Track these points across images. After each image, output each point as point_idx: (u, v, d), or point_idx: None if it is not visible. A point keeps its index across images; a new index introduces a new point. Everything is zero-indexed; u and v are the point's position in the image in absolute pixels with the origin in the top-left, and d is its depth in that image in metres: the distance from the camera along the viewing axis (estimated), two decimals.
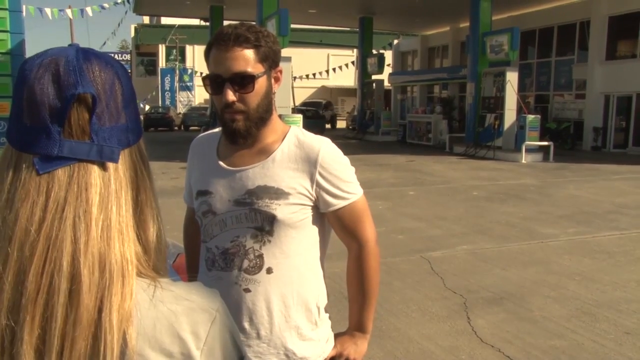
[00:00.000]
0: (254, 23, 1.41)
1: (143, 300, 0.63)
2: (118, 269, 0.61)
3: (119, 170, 0.65)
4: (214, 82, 1.33)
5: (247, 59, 1.31)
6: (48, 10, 21.51)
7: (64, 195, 0.61)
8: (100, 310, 0.59)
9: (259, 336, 1.37)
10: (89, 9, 23.72)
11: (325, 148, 1.39)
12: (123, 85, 0.68)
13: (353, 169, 1.45)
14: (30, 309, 0.58)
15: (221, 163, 1.42)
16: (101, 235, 0.61)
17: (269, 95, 1.37)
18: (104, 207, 0.62)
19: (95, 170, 0.63)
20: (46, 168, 0.61)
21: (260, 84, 1.33)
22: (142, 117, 27.93)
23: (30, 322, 0.58)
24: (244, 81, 1.31)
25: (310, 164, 1.37)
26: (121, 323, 0.60)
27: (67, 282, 0.58)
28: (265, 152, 1.39)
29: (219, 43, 1.31)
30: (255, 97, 1.33)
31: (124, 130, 0.67)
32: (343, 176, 1.40)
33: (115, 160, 0.64)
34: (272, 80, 1.39)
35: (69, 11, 23.43)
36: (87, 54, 0.67)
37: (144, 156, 0.71)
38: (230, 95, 1.31)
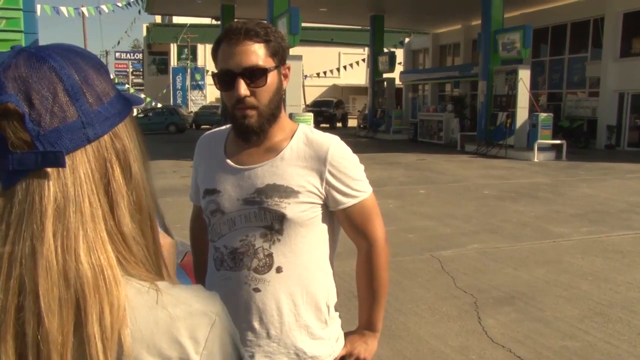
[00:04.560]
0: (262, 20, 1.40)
1: (140, 305, 0.61)
2: (89, 281, 0.58)
3: (79, 172, 0.61)
4: (225, 78, 1.31)
5: (258, 53, 1.29)
6: (64, 9, 21.70)
7: (22, 208, 0.59)
8: (80, 324, 0.57)
9: (269, 336, 1.36)
10: (104, 7, 23.92)
11: (334, 146, 1.38)
12: (64, 79, 0.61)
13: (362, 167, 1.44)
14: (3, 330, 0.56)
15: (229, 161, 1.41)
16: (61, 247, 0.58)
17: (279, 91, 1.35)
18: (60, 217, 0.59)
19: (49, 177, 0.59)
20: (8, 183, 0.59)
21: (272, 78, 1.32)
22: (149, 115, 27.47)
23: (4, 343, 0.56)
24: (257, 75, 1.29)
25: (319, 162, 1.36)
26: (107, 331, 0.58)
27: (31, 299, 0.57)
28: (274, 150, 1.38)
29: (230, 38, 1.29)
30: (267, 92, 1.31)
31: (78, 127, 0.61)
32: (353, 174, 1.39)
33: (61, 165, 0.59)
34: (282, 77, 1.37)
35: (84, 9, 23.62)
36: (17, 55, 0.62)
37: (123, 143, 0.65)
38: (243, 89, 1.28)
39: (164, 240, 0.82)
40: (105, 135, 0.63)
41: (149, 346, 0.61)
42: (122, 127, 0.66)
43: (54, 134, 0.59)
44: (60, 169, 0.59)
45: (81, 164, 0.61)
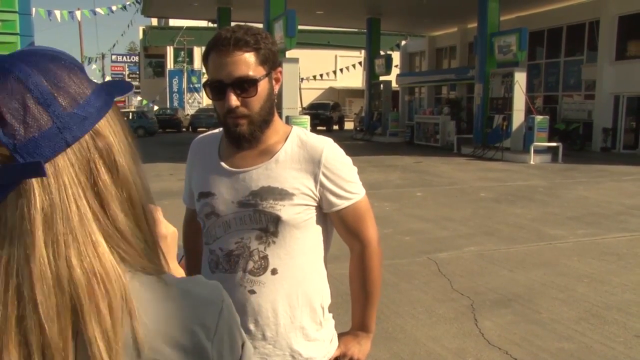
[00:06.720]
0: (251, 25, 1.39)
1: (150, 298, 0.63)
2: (82, 286, 0.58)
3: (62, 177, 0.60)
4: (216, 88, 1.31)
5: (248, 62, 1.29)
6: (57, 12, 21.69)
7: (12, 219, 0.59)
8: (79, 331, 0.58)
9: (264, 337, 1.36)
10: (99, 10, 23.91)
11: (328, 148, 1.39)
12: (31, 88, 0.60)
13: (355, 169, 1.44)
14: (5, 339, 0.57)
15: (223, 164, 1.41)
16: (52, 255, 0.58)
17: (271, 98, 1.36)
18: (50, 225, 0.59)
19: (33, 187, 0.59)
20: (1, 196, 0.60)
21: (263, 86, 1.32)
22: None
23: (7, 352, 0.57)
24: (247, 85, 1.30)
25: (314, 164, 1.37)
26: (110, 332, 0.59)
27: (31, 308, 0.57)
28: (268, 153, 1.38)
29: (219, 48, 1.29)
30: (258, 100, 1.32)
31: (54, 133, 0.60)
32: (346, 176, 1.40)
33: (42, 174, 0.59)
34: (273, 82, 1.37)
35: (78, 13, 23.61)
36: None
37: (106, 140, 0.64)
38: (234, 101, 1.29)
39: (167, 229, 0.83)
40: (86, 136, 0.62)
41: (165, 337, 0.63)
42: (104, 123, 0.65)
43: (31, 144, 0.59)
44: (43, 177, 0.59)
45: (64, 168, 0.60)
